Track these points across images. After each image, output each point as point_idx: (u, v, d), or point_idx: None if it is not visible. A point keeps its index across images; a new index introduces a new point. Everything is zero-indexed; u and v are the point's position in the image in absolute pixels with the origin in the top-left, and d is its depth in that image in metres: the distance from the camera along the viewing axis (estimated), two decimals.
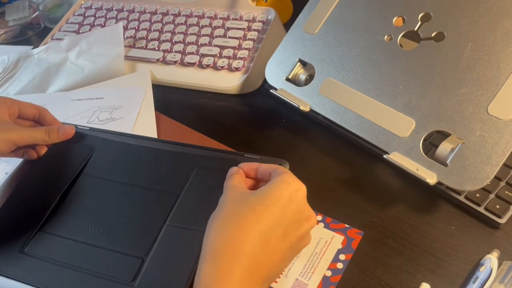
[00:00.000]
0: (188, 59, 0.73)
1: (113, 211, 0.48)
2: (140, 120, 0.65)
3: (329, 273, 0.46)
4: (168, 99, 0.71)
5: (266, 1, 0.79)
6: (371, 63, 0.56)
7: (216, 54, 0.72)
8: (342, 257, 0.48)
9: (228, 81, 0.69)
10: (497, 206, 0.48)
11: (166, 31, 0.78)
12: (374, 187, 0.54)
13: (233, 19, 0.76)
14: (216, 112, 0.67)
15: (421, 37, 0.54)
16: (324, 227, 0.50)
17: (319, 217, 0.51)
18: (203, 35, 0.75)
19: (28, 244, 0.47)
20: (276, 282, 0.46)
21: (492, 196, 0.49)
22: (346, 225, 0.50)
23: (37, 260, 0.45)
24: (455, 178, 0.46)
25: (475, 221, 0.49)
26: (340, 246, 0.48)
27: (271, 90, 0.62)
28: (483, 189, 0.48)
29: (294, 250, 0.39)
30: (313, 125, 0.62)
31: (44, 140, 0.54)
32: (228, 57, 0.71)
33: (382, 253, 0.47)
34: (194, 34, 0.76)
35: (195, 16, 0.79)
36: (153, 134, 0.62)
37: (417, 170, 0.48)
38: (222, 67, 0.70)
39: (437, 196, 0.52)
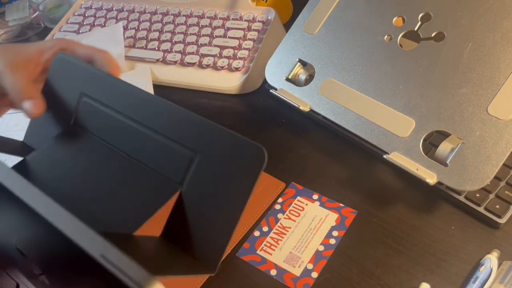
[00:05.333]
0: (188, 59, 0.73)
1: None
2: None
3: (321, 248, 0.49)
4: (168, 99, 0.70)
5: (266, 1, 0.79)
6: (371, 63, 0.56)
7: (216, 54, 0.72)
8: (335, 233, 0.50)
9: (228, 81, 0.69)
10: (497, 206, 0.48)
11: (166, 31, 0.78)
12: (374, 187, 0.54)
13: (233, 19, 0.76)
14: (216, 112, 0.67)
15: (421, 37, 0.54)
16: (320, 205, 0.52)
17: (315, 196, 0.53)
18: (203, 35, 0.75)
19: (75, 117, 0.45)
20: (271, 254, 0.49)
21: (492, 196, 0.49)
22: (341, 204, 0.52)
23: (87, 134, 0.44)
24: (455, 178, 0.46)
25: (475, 221, 0.49)
26: (334, 223, 0.50)
27: (271, 90, 0.62)
28: (483, 189, 0.48)
29: None
30: (313, 125, 0.62)
31: None
32: (228, 57, 0.71)
33: (382, 253, 0.47)
34: (194, 34, 0.76)
35: (195, 16, 0.79)
36: None
37: (417, 170, 0.48)
38: (222, 67, 0.70)
39: (437, 196, 0.52)
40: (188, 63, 0.73)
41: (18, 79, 0.45)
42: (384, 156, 0.51)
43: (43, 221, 0.31)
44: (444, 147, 0.48)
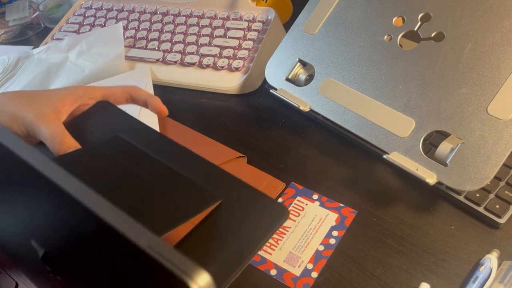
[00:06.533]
0: (188, 59, 0.73)
1: None
2: (144, 112, 0.65)
3: (321, 248, 0.49)
4: (168, 99, 0.70)
5: (266, 1, 0.79)
6: (371, 63, 0.56)
7: (216, 54, 0.72)
8: (335, 233, 0.50)
9: (228, 81, 0.69)
10: (497, 206, 0.48)
11: (166, 31, 0.78)
12: (374, 187, 0.54)
13: (233, 19, 0.76)
14: (216, 112, 0.67)
15: (421, 37, 0.54)
16: (320, 205, 0.52)
17: (315, 196, 0.53)
18: (203, 35, 0.76)
19: None
20: (271, 254, 0.49)
21: (492, 196, 0.49)
22: (341, 204, 0.52)
23: None
24: (455, 178, 0.46)
25: (475, 221, 0.49)
26: (333, 223, 0.51)
27: (271, 90, 0.62)
28: (483, 189, 0.48)
29: None
30: (313, 125, 0.62)
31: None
32: (228, 57, 0.71)
33: (382, 253, 0.47)
34: (194, 34, 0.76)
35: (195, 16, 0.79)
36: (155, 125, 0.63)
37: (417, 170, 0.48)
38: (222, 67, 0.70)
39: (437, 196, 0.52)
40: (188, 63, 0.73)
41: (56, 132, 0.43)
42: (384, 156, 0.51)
43: (63, 217, 0.31)
44: (444, 147, 0.48)
